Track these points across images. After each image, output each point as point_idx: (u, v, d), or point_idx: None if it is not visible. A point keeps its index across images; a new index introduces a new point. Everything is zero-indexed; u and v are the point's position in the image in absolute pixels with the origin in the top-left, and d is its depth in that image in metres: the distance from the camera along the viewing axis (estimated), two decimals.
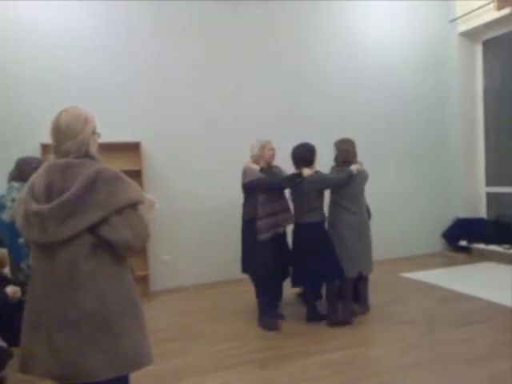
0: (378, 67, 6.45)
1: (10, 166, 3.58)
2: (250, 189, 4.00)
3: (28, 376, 1.87)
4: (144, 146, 5.24)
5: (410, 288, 5.01)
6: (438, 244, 6.84)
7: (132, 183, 1.85)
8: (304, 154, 3.97)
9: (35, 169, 3.36)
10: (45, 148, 4.59)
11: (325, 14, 6.12)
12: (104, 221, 1.74)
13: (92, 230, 1.74)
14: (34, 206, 1.75)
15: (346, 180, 3.92)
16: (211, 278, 5.61)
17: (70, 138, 1.83)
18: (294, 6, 5.95)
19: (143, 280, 5.05)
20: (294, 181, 3.84)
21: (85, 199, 1.72)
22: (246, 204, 4.12)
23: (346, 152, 4.09)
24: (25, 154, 3.82)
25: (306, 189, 3.89)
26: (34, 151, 4.52)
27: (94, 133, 1.92)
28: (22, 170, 3.41)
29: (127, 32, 5.23)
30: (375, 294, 4.33)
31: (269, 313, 4.06)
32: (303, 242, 3.92)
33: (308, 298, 4.18)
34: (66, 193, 1.73)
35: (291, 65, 5.97)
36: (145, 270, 5.16)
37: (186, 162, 5.53)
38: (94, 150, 1.91)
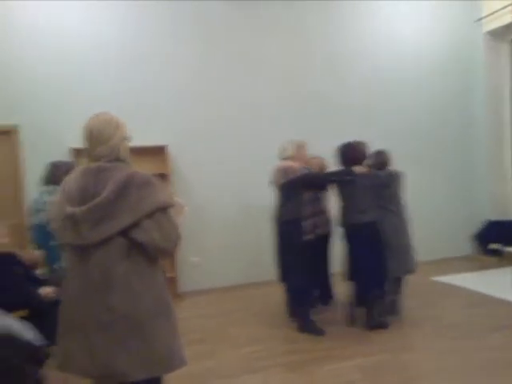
0: (403, 67, 6.35)
1: (41, 171, 3.68)
2: (294, 187, 3.84)
3: (66, 374, 1.90)
4: (170, 149, 5.28)
5: (442, 292, 4.90)
6: (468, 247, 6.67)
7: (162, 187, 1.86)
8: (354, 152, 3.85)
9: (66, 173, 3.45)
10: (74, 152, 4.69)
11: (350, 14, 6.07)
12: (136, 224, 1.75)
13: (124, 233, 1.76)
14: (68, 209, 1.77)
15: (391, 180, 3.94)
16: (239, 280, 5.62)
17: (101, 143, 1.86)
18: (319, 7, 5.92)
19: (171, 281, 5.09)
20: (345, 178, 3.74)
21: (116, 203, 1.74)
22: (285, 204, 3.91)
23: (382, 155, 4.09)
24: (55, 158, 3.91)
25: (358, 187, 3.76)
26: (64, 155, 4.63)
27: (125, 138, 1.94)
28: (54, 174, 3.49)
29: (149, 37, 5.30)
30: (407, 297, 4.24)
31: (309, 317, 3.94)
32: (359, 243, 3.77)
33: (367, 302, 3.90)
34: (98, 196, 1.75)
35: (317, 65, 5.95)
36: (172, 271, 5.21)
37: (213, 165, 5.56)
38: (125, 154, 1.93)
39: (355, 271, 3.83)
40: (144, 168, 4.86)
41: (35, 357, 2.05)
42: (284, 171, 3.89)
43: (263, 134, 5.67)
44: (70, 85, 4.99)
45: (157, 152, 5.21)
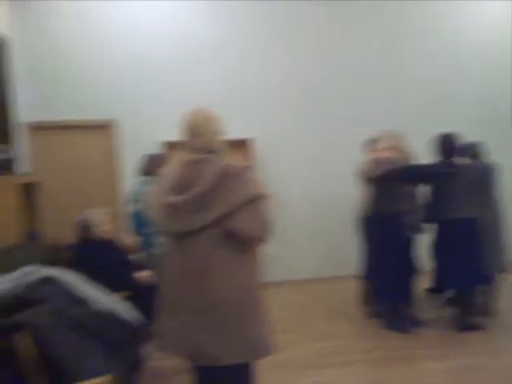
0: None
1: (135, 162, 3.92)
2: (392, 180, 3.64)
3: (152, 353, 2.02)
4: (256, 142, 5.38)
5: None
6: None
7: (256, 178, 1.93)
8: (453, 144, 3.69)
9: (160, 164, 3.71)
10: (167, 145, 4.96)
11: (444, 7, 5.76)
12: (230, 214, 1.83)
13: (220, 222, 1.84)
14: (169, 199, 1.89)
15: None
16: (317, 274, 5.61)
17: (198, 136, 1.96)
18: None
19: None
20: (450, 170, 3.58)
21: (213, 193, 1.83)
22: (381, 198, 3.72)
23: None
24: (149, 151, 4.17)
25: (459, 181, 3.59)
26: (157, 148, 4.90)
27: (220, 132, 2.02)
28: (150, 166, 3.72)
29: (241, 37, 5.42)
30: (500, 299, 3.99)
31: (399, 315, 3.83)
32: (457, 240, 3.60)
33: (460, 302, 3.77)
34: (196, 187, 1.85)
35: (412, 65, 5.79)
36: None
37: (298, 157, 5.59)
38: (220, 147, 2.02)
39: (450, 270, 3.65)
40: (230, 161, 5.03)
41: (136, 336, 2.21)
42: (380, 162, 3.68)
43: (349, 126, 5.61)
44: (163, 83, 5.24)
45: (243, 145, 5.33)
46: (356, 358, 3.29)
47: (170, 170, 2.00)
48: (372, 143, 4.03)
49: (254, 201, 1.86)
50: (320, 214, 5.63)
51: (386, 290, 3.80)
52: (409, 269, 3.72)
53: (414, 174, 3.67)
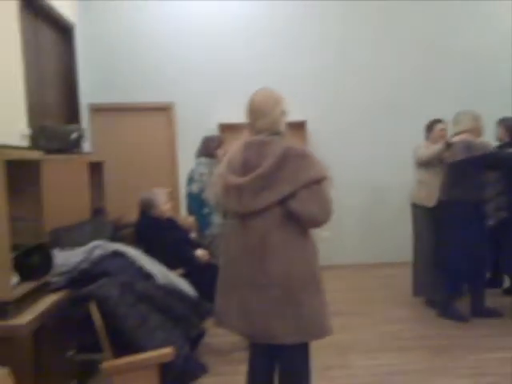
0: None
1: (192, 144, 4.01)
2: (478, 165, 3.50)
3: (220, 330, 2.08)
4: (309, 124, 5.33)
5: None
6: None
7: (318, 160, 1.91)
8: None
9: (217, 146, 3.77)
10: (222, 127, 5.02)
11: None
12: (293, 195, 1.83)
13: (282, 202, 1.85)
14: (234, 180, 1.91)
15: None
16: (368, 259, 5.54)
17: (262, 117, 1.96)
18: None
19: None
20: None
21: (276, 174, 1.83)
22: (462, 184, 3.54)
23: None
24: (206, 133, 4.23)
25: None
26: (214, 130, 4.98)
27: (284, 112, 2.01)
28: (207, 147, 3.78)
29: (299, 16, 5.35)
30: None
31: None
32: None
33: None
34: (260, 168, 1.86)
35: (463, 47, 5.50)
36: None
37: (352, 141, 5.50)
38: (283, 128, 2.02)
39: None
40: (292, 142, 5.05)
41: (199, 311, 2.29)
42: (465, 146, 3.49)
43: (403, 111, 5.46)
44: (219, 67, 5.29)
45: (296, 127, 5.29)
46: (414, 344, 3.24)
47: (236, 152, 2.01)
48: (456, 124, 3.76)
49: (317, 183, 1.85)
50: (374, 198, 5.53)
51: (463, 277, 3.68)
52: (486, 257, 3.61)
53: (501, 160, 3.54)
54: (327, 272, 5.09)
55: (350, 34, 5.43)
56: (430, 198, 3.81)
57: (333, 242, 5.49)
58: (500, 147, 4.00)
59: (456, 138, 3.60)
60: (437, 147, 3.70)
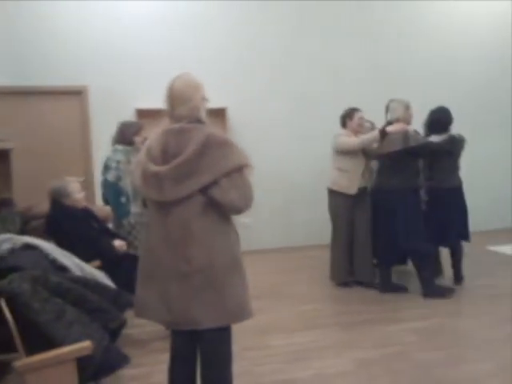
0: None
1: (108, 130, 3.86)
2: (413, 154, 3.76)
3: (138, 321, 2.06)
4: (229, 111, 5.35)
5: (498, 261, 4.81)
6: None
7: (238, 148, 1.94)
8: (449, 118, 3.97)
9: (135, 133, 3.66)
10: (139, 113, 4.87)
11: None
12: (214, 183, 1.84)
13: (203, 191, 1.86)
14: (153, 168, 1.88)
15: None
16: (289, 243, 5.75)
17: (182, 104, 1.93)
18: None
19: None
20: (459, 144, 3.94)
21: (197, 162, 1.83)
22: (401, 172, 3.76)
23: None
24: (122, 118, 4.07)
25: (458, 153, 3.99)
26: (131, 116, 4.82)
27: (203, 98, 2.01)
28: (124, 134, 3.65)
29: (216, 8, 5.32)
30: (467, 266, 4.22)
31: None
32: (452, 206, 3.98)
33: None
34: (181, 156, 1.84)
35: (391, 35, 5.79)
36: None
37: (270, 127, 5.61)
38: (203, 115, 2.01)
39: (445, 235, 3.96)
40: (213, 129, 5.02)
41: (118, 302, 2.24)
42: (403, 137, 3.64)
43: (323, 99, 5.66)
44: (137, 47, 5.12)
45: (216, 114, 5.29)
46: (328, 322, 3.44)
47: (155, 139, 1.97)
48: (391, 111, 3.94)
49: (237, 171, 1.88)
50: (292, 184, 5.73)
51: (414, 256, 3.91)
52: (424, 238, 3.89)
53: (433, 149, 3.81)
54: (249, 256, 5.20)
55: (270, 24, 5.49)
56: (352, 186, 3.98)
57: (255, 228, 5.62)
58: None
59: (391, 128, 3.75)
60: (371, 135, 3.82)
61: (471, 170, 5.56)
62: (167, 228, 1.92)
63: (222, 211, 1.93)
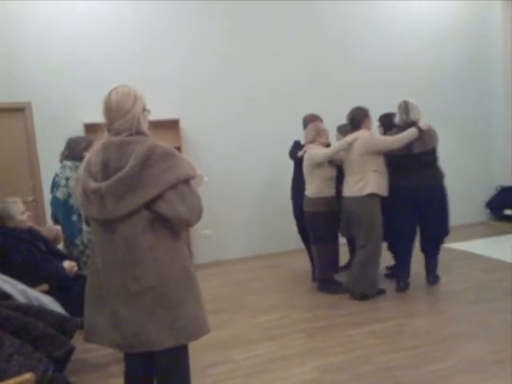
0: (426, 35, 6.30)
1: (56, 146, 3.71)
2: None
3: (93, 344, 1.96)
4: (182, 123, 5.27)
5: (455, 258, 4.93)
6: (482, 214, 6.66)
7: (184, 158, 1.87)
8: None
9: (85, 148, 3.53)
10: (87, 127, 4.70)
11: None
12: (159, 197, 1.76)
13: (148, 205, 1.77)
14: (93, 184, 1.79)
15: None
16: (251, 252, 5.69)
17: (121, 117, 1.84)
18: None
19: None
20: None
21: (140, 176, 1.75)
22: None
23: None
24: (70, 134, 3.93)
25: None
26: (79, 131, 4.64)
27: (144, 110, 1.92)
28: (73, 150, 3.52)
29: (164, 11, 5.23)
30: (419, 264, 4.28)
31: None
32: (402, 207, 4.01)
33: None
34: (122, 170, 1.76)
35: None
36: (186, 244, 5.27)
37: (225, 138, 5.56)
38: (145, 126, 1.92)
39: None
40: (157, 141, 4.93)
41: (65, 328, 2.12)
42: (435, 132, 3.94)
43: (278, 108, 5.67)
44: (83, 60, 4.96)
45: (169, 125, 5.21)
46: (291, 330, 3.40)
47: (95, 154, 1.88)
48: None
49: (184, 182, 1.81)
50: (250, 193, 5.69)
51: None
52: None
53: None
54: (210, 269, 5.22)
55: (220, 27, 5.45)
56: (386, 187, 3.92)
57: (216, 239, 5.55)
58: None
59: (425, 126, 3.83)
60: (409, 133, 3.80)
61: None
62: (113, 246, 1.83)
63: (170, 226, 1.85)
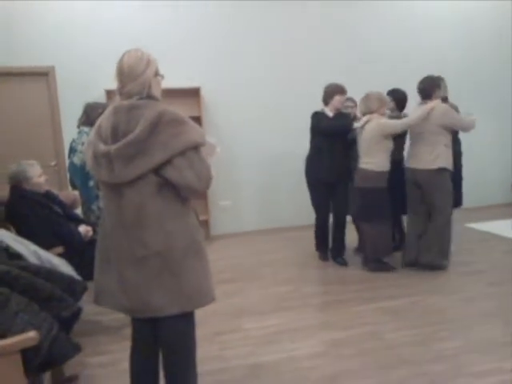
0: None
1: (77, 112, 3.72)
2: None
3: (101, 308, 1.99)
4: (204, 91, 5.21)
5: (477, 239, 4.81)
6: (507, 194, 6.44)
7: (194, 125, 1.83)
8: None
9: (101, 114, 3.51)
10: (109, 94, 4.70)
11: None
12: (168, 162, 1.74)
13: (156, 171, 1.75)
14: (102, 147, 1.78)
15: None
16: (268, 224, 5.67)
17: (132, 80, 1.81)
18: None
19: (203, 224, 5.20)
20: None
21: (148, 141, 1.72)
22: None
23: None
24: (91, 100, 3.93)
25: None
26: (100, 97, 4.65)
27: (156, 74, 1.89)
28: (90, 115, 3.52)
29: None
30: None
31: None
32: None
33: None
34: (131, 134, 1.74)
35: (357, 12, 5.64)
36: (205, 214, 5.30)
37: (247, 108, 5.47)
38: (156, 91, 1.89)
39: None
40: (177, 110, 4.88)
41: (73, 290, 2.15)
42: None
43: (299, 79, 5.53)
44: (105, 26, 4.93)
45: (190, 94, 5.16)
46: (301, 303, 3.40)
47: (105, 118, 1.86)
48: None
49: (193, 149, 1.77)
50: (270, 165, 5.62)
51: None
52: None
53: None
54: (227, 239, 5.25)
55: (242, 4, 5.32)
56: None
57: (236, 210, 5.56)
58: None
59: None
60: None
61: None
62: (121, 211, 1.82)
63: (178, 192, 1.83)
